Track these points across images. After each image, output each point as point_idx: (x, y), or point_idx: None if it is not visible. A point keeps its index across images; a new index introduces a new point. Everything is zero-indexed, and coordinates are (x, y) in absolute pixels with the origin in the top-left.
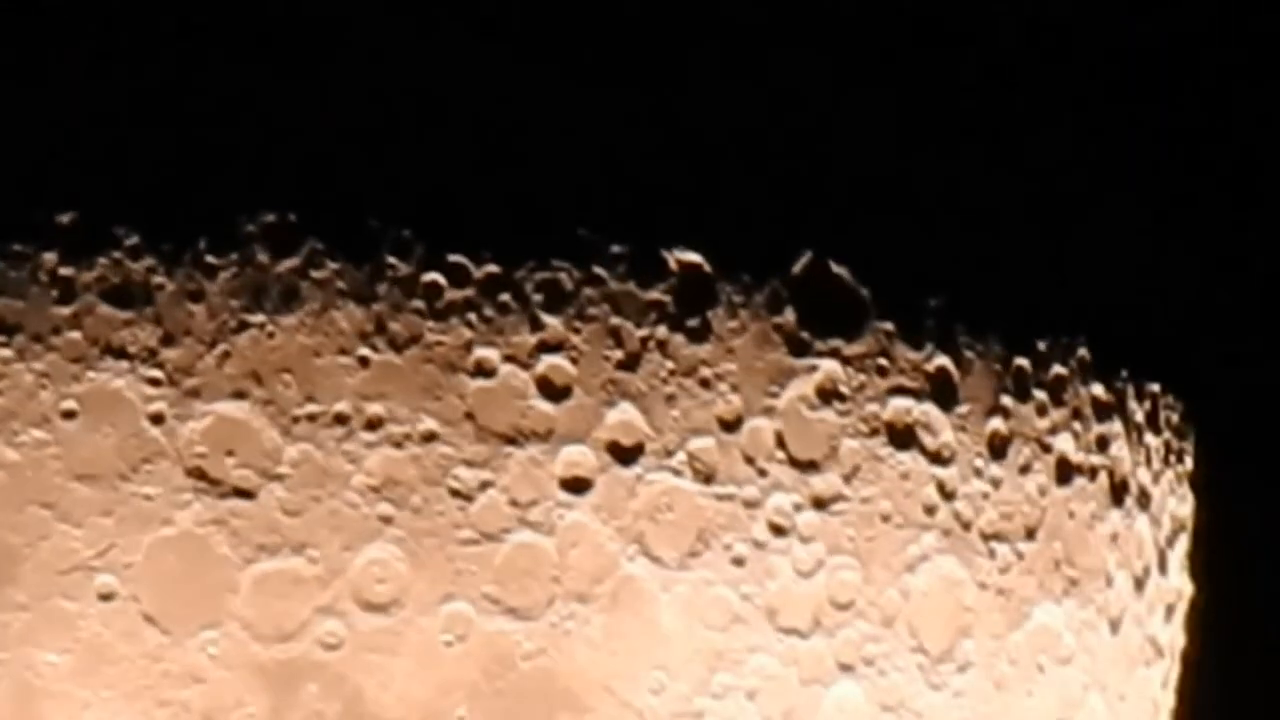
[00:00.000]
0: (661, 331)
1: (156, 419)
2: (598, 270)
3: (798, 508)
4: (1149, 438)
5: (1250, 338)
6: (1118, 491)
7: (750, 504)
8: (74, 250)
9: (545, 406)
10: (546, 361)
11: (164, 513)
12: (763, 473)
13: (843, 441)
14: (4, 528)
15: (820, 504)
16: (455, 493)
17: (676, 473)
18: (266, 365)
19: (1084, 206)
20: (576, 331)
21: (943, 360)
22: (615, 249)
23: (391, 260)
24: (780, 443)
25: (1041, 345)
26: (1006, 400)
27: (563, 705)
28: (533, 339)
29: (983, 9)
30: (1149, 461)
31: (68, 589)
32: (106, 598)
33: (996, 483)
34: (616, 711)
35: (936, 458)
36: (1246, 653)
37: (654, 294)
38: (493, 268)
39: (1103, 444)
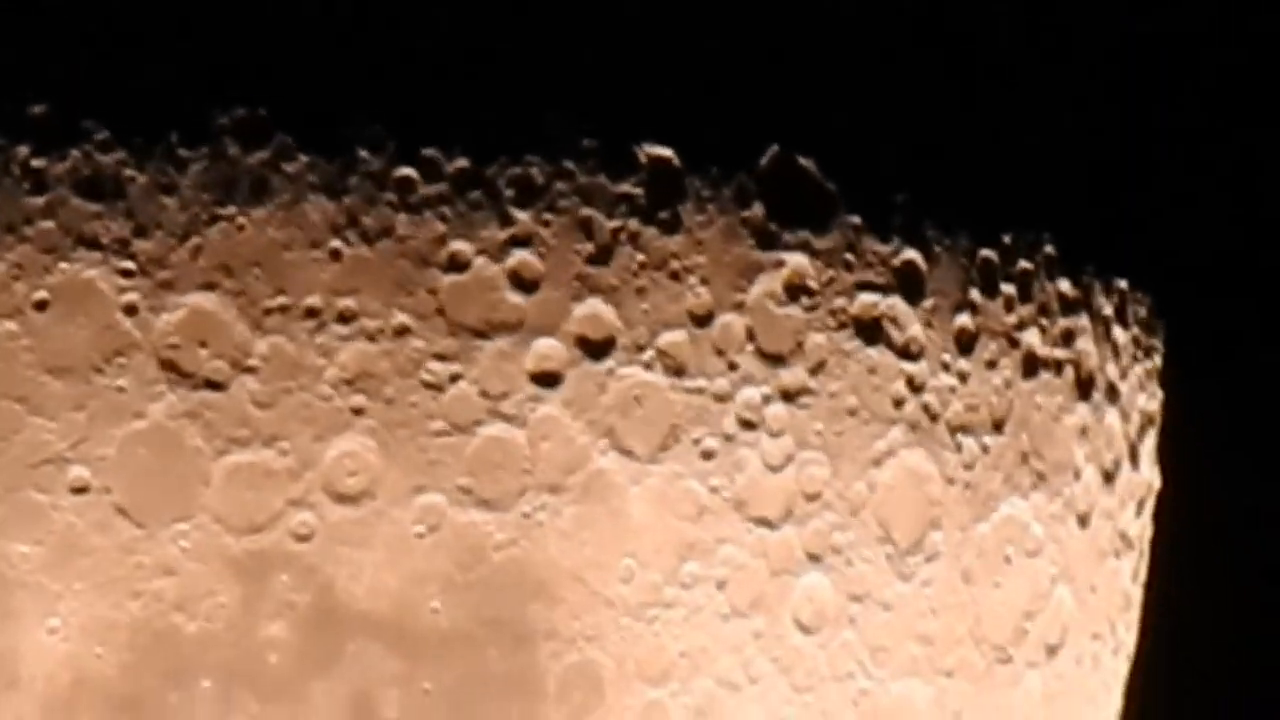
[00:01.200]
0: (632, 225)
1: (130, 310)
2: (568, 164)
3: (767, 401)
4: (1117, 333)
5: (1219, 235)
6: (1085, 385)
7: (720, 398)
8: (46, 142)
9: (516, 300)
10: (517, 255)
11: (136, 405)
12: (733, 366)
13: (810, 336)
14: None
15: (789, 397)
16: (427, 385)
17: (647, 366)
18: (238, 258)
19: (1052, 103)
20: (547, 225)
21: (910, 254)
22: (585, 143)
23: (363, 154)
24: (750, 336)
25: (1008, 240)
26: (974, 295)
27: (534, 595)
28: (503, 233)
29: None
30: (1117, 356)
31: (40, 481)
32: (79, 490)
33: (964, 377)
34: (587, 601)
35: (904, 352)
36: (1209, 551)
37: (624, 187)
38: (464, 162)
39: (1069, 338)
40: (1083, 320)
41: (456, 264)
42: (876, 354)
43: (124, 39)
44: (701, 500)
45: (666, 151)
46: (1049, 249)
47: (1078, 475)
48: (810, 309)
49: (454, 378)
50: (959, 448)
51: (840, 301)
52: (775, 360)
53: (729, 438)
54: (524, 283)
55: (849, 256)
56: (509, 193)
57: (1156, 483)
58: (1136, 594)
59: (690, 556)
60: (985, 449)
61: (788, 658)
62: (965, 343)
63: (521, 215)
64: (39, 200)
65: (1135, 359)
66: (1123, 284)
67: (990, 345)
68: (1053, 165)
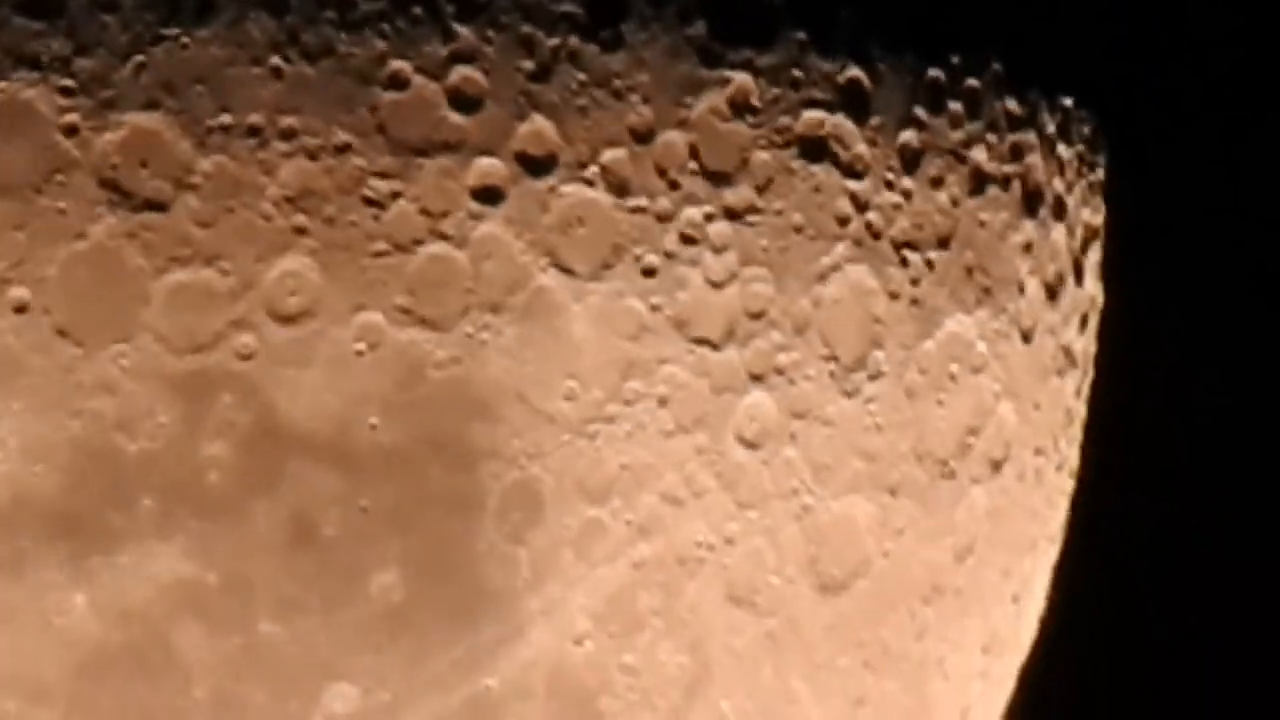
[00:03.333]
0: (573, 42)
1: (70, 131)
2: None
3: (710, 219)
4: (1061, 149)
5: (1162, 52)
6: (1030, 201)
7: (663, 216)
8: None
9: (457, 118)
10: (458, 72)
11: (77, 226)
12: (675, 185)
13: (755, 153)
14: None
15: (733, 215)
16: (368, 203)
17: (589, 184)
18: (181, 76)
19: None
20: (489, 42)
21: (855, 72)
22: None
23: None
24: (693, 154)
25: (955, 58)
26: (920, 112)
27: (476, 414)
28: (444, 50)
29: None
30: (1062, 172)
31: None
32: (19, 310)
33: (909, 195)
34: (528, 419)
35: (849, 170)
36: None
37: (566, 5)
38: None
39: (1016, 154)
40: (1029, 137)
41: (397, 82)
42: (821, 172)
43: None
44: (643, 318)
45: None
46: (996, 67)
47: (1022, 290)
48: (755, 126)
49: (394, 196)
50: (904, 263)
51: (785, 119)
52: (719, 178)
53: (671, 256)
54: (465, 100)
55: (794, 73)
56: (450, 8)
57: (1100, 298)
58: (1080, 410)
59: (632, 374)
60: (930, 265)
61: (730, 474)
62: (910, 160)
63: (463, 30)
64: None
65: (1080, 174)
66: (1067, 102)
67: (936, 162)
68: None
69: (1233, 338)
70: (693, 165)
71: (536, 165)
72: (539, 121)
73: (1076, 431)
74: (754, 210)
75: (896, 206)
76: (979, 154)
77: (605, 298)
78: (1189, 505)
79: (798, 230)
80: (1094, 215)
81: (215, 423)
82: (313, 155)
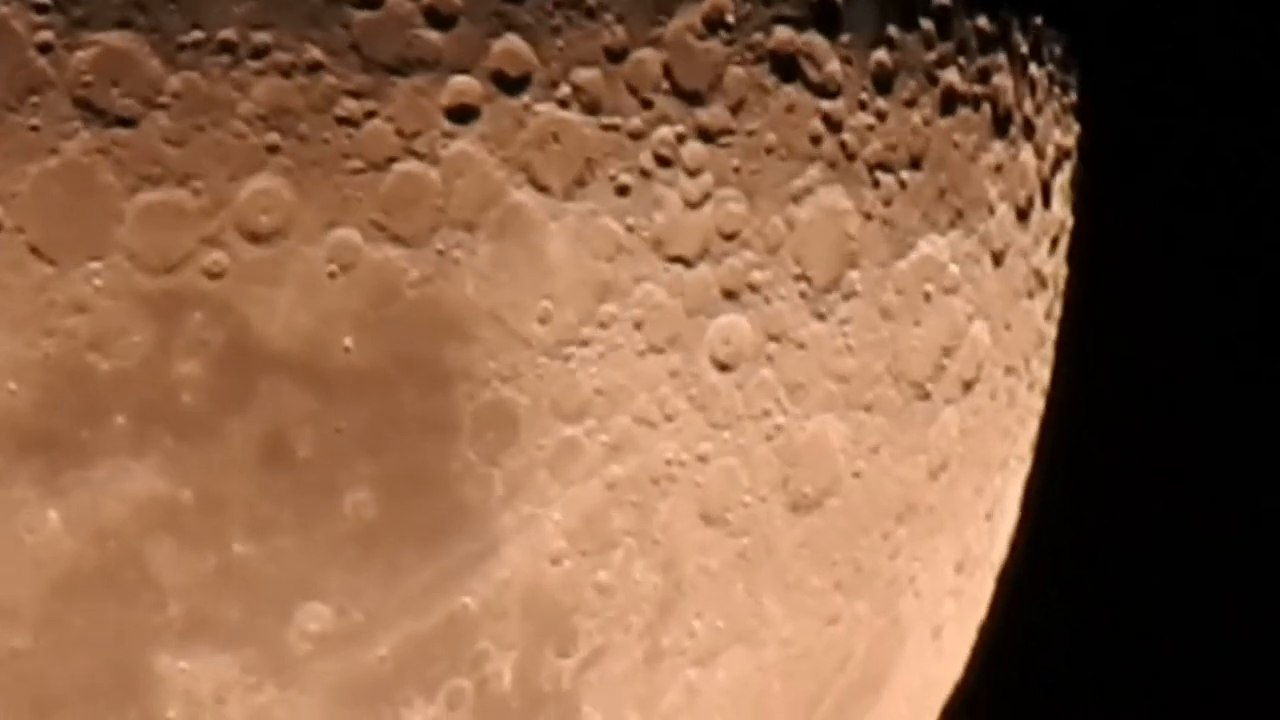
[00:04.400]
0: None
1: (44, 48)
2: None
3: (683, 139)
4: (1033, 69)
5: None
6: (1001, 122)
7: (636, 135)
8: None
9: (431, 36)
10: None
11: (49, 143)
12: (648, 104)
13: (728, 72)
14: None
15: (706, 135)
16: (341, 121)
17: (563, 104)
18: None
19: None
20: None
21: None
22: None
23: None
24: (666, 73)
25: None
26: (892, 30)
27: (449, 334)
28: None
29: None
30: (1033, 93)
31: None
32: None
33: (882, 115)
34: (502, 340)
35: (822, 90)
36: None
37: None
38: None
39: (986, 75)
40: (1000, 58)
41: None
42: (794, 91)
43: None
44: (618, 238)
45: None
46: None
47: (992, 212)
48: (728, 44)
49: (368, 114)
50: (877, 184)
51: (757, 36)
52: (692, 97)
53: (646, 174)
54: (439, 18)
55: None
56: None
57: (1070, 221)
58: (1051, 331)
59: (607, 297)
60: (903, 185)
61: (704, 395)
62: (883, 80)
63: None
64: None
65: (1050, 94)
66: (1038, 20)
67: (909, 83)
68: None
69: (1204, 269)
70: (665, 84)
71: (510, 83)
72: (513, 40)
73: (1047, 352)
74: (727, 130)
75: (870, 127)
76: (951, 74)
77: (580, 217)
78: (1150, 412)
79: (770, 150)
80: (1065, 136)
81: (188, 341)
82: (285, 73)
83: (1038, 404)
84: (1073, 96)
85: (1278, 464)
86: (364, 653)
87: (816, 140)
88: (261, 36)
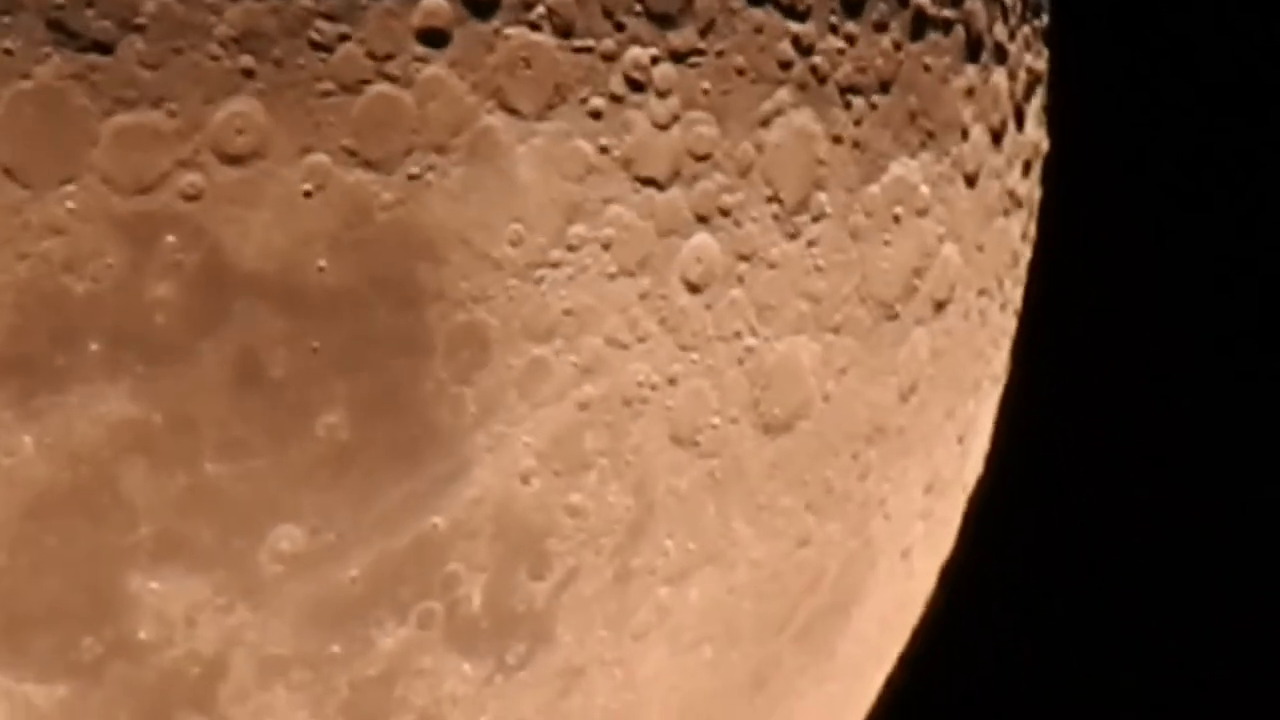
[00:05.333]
0: None
1: None
2: None
3: (655, 61)
4: None
5: None
6: (973, 45)
7: (607, 57)
8: None
9: None
10: None
11: (23, 67)
12: (620, 26)
13: None
14: None
15: (677, 58)
16: (314, 45)
17: (534, 26)
18: None
19: None
20: None
21: None
22: None
23: None
24: None
25: None
26: None
27: (421, 255)
28: None
29: None
30: (1005, 17)
31: None
32: None
33: (852, 39)
34: (474, 262)
35: (791, 11)
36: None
37: None
38: None
39: None
40: None
41: None
42: (763, 14)
43: None
44: (589, 160)
45: None
46: None
47: (965, 135)
48: None
49: (341, 38)
50: (847, 106)
51: None
52: (663, 20)
53: (616, 98)
54: None
55: None
56: None
57: (1044, 145)
58: (1025, 252)
59: (577, 218)
60: (873, 108)
61: (674, 317)
62: (853, 3)
63: None
64: None
65: (1023, 19)
66: None
67: (879, 6)
68: None
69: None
70: (637, 6)
71: (481, 7)
72: None
73: (1021, 273)
74: (697, 52)
75: (840, 51)
76: None
77: (551, 139)
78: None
79: (741, 73)
80: (1036, 59)
81: (162, 263)
82: None
83: (1011, 325)
84: (1044, 20)
85: (1237, 428)
86: (335, 574)
87: (786, 64)
88: None
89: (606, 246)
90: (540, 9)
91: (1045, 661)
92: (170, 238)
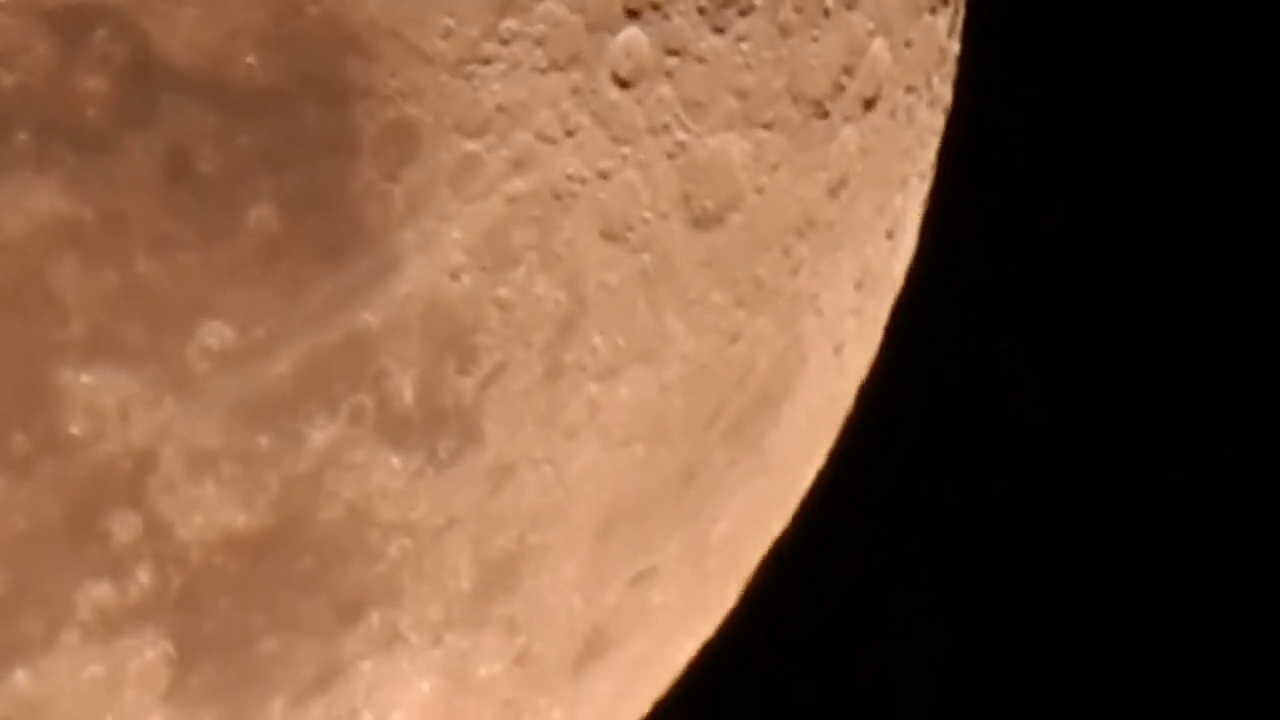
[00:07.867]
0: None
1: None
2: None
3: None
4: None
5: None
6: None
7: None
8: None
9: None
10: None
11: None
12: None
13: None
14: None
15: None
16: None
17: None
18: None
19: None
20: None
21: None
22: None
23: None
24: None
25: None
26: None
27: (351, 50)
28: None
29: None
30: None
31: None
32: None
33: None
34: (404, 56)
35: None
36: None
37: None
38: None
39: None
40: None
41: None
42: None
43: None
44: None
45: None
46: None
47: None
48: None
49: None
50: None
51: None
52: None
53: None
54: None
55: None
56: None
57: None
58: (954, 48)
59: (509, 13)
60: None
61: (605, 112)
62: None
63: None
64: None
65: None
66: None
67: None
68: None
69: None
70: None
71: None
72: None
73: (950, 69)
74: None
75: None
76: None
77: None
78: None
79: None
80: None
81: (91, 56)
82: None
83: (938, 122)
84: None
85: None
86: (265, 369)
87: None
88: None
89: (538, 41)
90: None
91: (967, 455)
92: (99, 31)
